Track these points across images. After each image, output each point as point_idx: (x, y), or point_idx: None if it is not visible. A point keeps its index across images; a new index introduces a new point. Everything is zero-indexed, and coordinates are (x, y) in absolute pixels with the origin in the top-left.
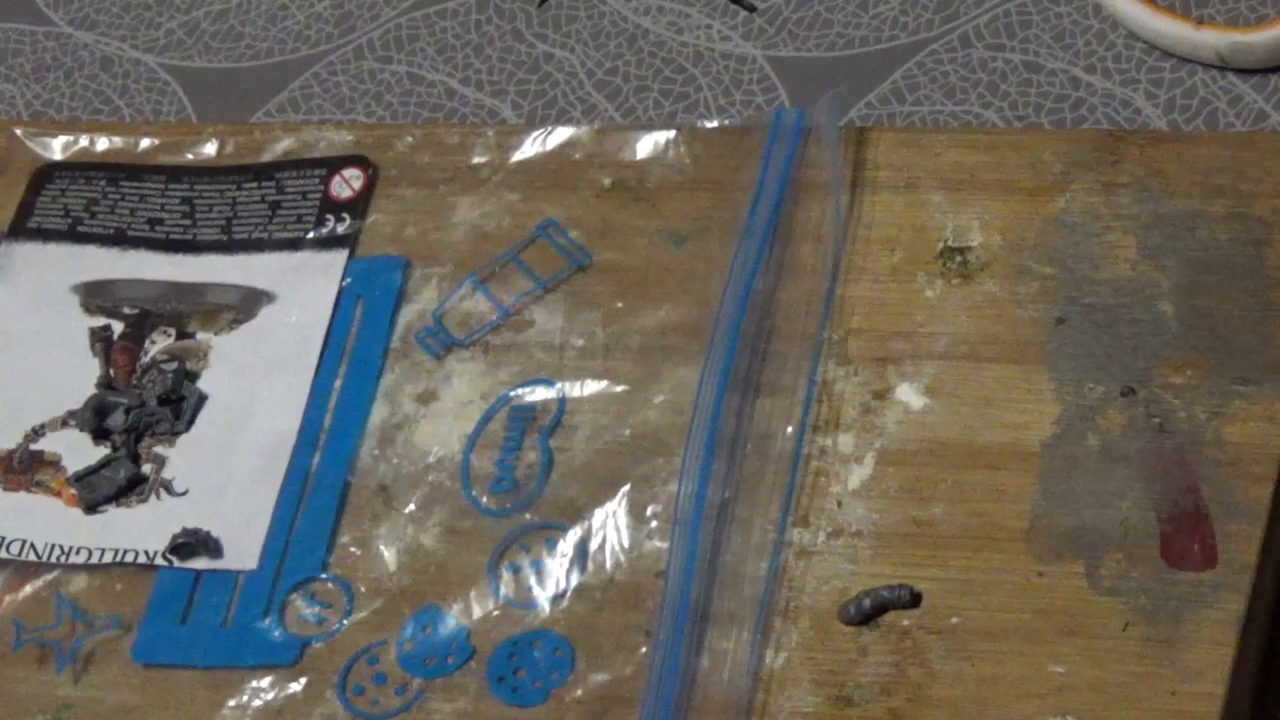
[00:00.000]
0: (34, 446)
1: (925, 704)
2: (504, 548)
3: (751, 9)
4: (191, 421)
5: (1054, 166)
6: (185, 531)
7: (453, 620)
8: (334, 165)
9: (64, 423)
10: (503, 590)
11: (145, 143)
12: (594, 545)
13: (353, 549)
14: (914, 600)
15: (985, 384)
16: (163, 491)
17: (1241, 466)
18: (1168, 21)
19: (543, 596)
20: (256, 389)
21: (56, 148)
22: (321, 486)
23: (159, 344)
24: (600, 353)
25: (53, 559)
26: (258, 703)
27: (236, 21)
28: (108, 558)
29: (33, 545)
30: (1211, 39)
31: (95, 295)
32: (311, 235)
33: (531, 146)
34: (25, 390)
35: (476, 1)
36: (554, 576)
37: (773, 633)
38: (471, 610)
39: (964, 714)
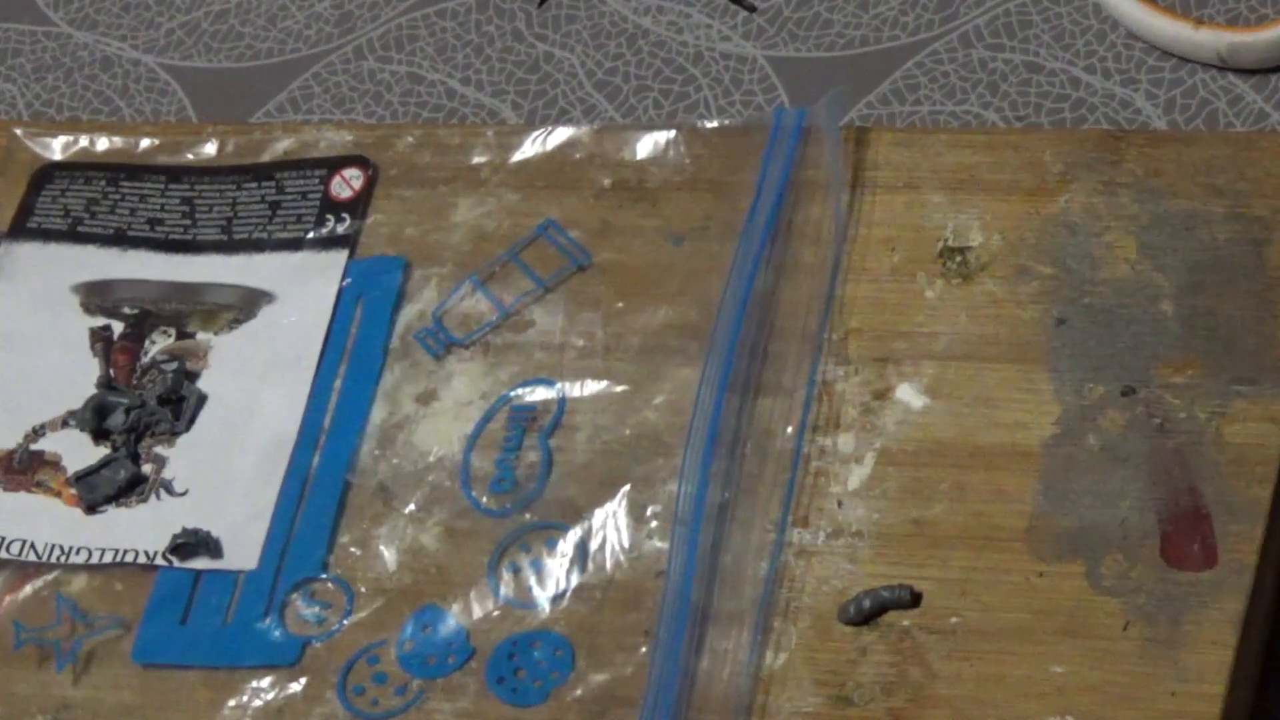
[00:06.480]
0: (34, 446)
1: (925, 704)
2: (504, 548)
3: (751, 9)
4: (191, 422)
5: (1054, 166)
6: (185, 531)
7: (453, 620)
8: (334, 165)
9: (64, 423)
10: (503, 590)
11: (145, 143)
12: (594, 545)
13: (353, 549)
14: (914, 600)
15: (985, 384)
16: (163, 491)
17: (1241, 466)
18: (1168, 21)
19: (543, 596)
20: (256, 389)
21: (56, 148)
22: (321, 486)
23: (159, 344)
24: (600, 353)
25: (53, 559)
26: (258, 703)
27: (236, 21)
28: (108, 558)
29: (33, 545)
30: (1211, 39)
31: (95, 295)
32: (311, 235)
33: (531, 146)
34: (25, 390)
35: (476, 1)
36: (554, 576)
37: (773, 633)
38: (471, 610)
39: (964, 714)
